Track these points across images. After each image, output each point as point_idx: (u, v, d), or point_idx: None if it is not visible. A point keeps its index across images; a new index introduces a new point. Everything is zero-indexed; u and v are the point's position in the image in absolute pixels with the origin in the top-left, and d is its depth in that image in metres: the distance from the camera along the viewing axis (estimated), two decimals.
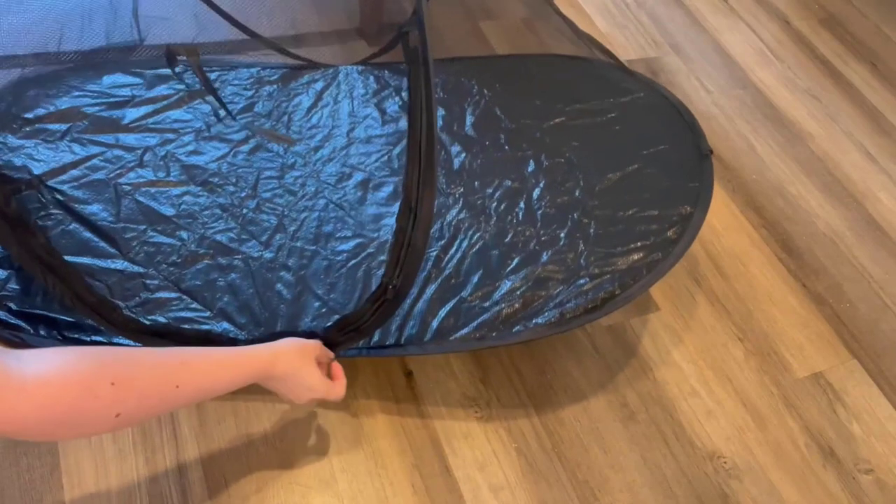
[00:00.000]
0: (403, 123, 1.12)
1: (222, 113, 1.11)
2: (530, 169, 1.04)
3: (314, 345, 0.77)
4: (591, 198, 0.99)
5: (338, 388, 0.79)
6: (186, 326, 0.88)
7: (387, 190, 1.04)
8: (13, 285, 0.92)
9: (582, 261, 0.93)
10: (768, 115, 1.37)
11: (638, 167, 1.03)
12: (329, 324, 0.86)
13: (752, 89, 1.41)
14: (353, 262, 0.95)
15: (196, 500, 0.82)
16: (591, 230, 0.96)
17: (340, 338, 0.82)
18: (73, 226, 0.97)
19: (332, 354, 0.81)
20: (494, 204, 1.00)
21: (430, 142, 0.70)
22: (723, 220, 1.19)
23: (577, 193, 1.00)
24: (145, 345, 0.84)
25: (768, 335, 1.05)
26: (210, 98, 1.12)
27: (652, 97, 1.14)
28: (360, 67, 1.21)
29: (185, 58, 1.14)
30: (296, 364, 0.74)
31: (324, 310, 0.90)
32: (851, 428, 0.97)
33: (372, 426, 0.90)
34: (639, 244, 0.94)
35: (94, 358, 0.58)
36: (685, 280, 1.10)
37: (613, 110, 1.11)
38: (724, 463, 0.92)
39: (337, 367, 0.81)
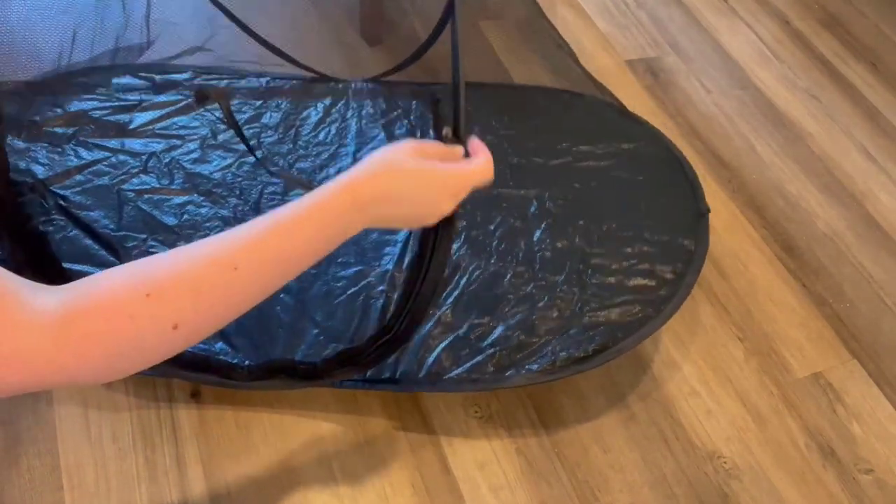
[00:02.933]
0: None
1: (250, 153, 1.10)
2: (532, 209, 1.03)
3: (404, 144, 0.58)
4: (589, 245, 0.99)
5: (475, 169, 0.60)
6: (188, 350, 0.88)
7: None
8: None
9: (577, 309, 0.93)
10: (768, 115, 1.37)
11: (636, 218, 1.03)
12: (327, 353, 0.87)
13: (752, 89, 1.41)
14: (353, 289, 0.94)
15: (196, 499, 0.82)
16: (588, 279, 0.96)
17: (337, 369, 0.83)
18: (75, 232, 0.97)
19: (452, 152, 0.62)
20: (495, 242, 1.00)
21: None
22: (723, 220, 1.19)
23: (576, 240, 1.00)
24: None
25: (768, 335, 1.05)
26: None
27: (657, 147, 1.13)
28: (369, 84, 1.21)
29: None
30: (389, 181, 0.56)
31: (321, 338, 0.90)
32: (851, 428, 0.97)
33: (372, 426, 0.90)
34: (632, 298, 0.94)
35: (120, 274, 0.48)
36: None
37: (618, 155, 1.11)
38: (724, 463, 0.92)
39: (475, 144, 0.63)
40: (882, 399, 1.01)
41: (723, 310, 1.07)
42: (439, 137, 0.65)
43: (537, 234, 1.01)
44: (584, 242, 1.00)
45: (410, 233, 1.00)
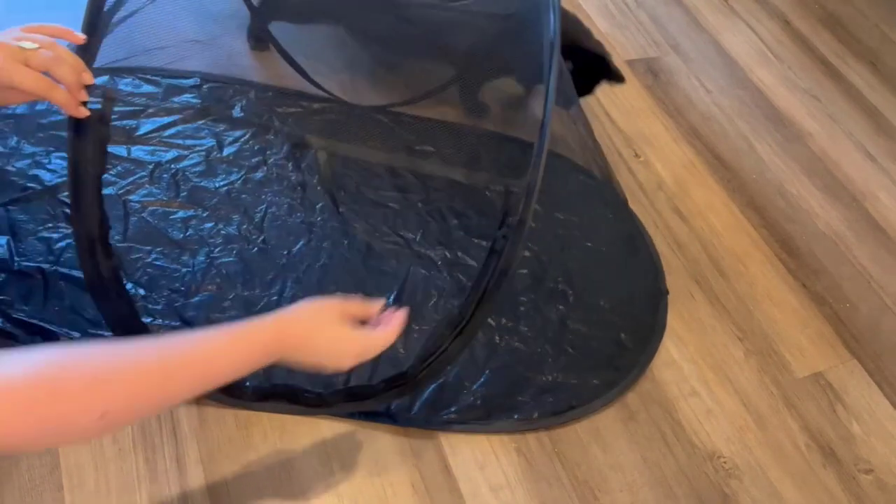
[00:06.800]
0: (410, 179, 1.14)
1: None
2: (523, 270, 1.06)
3: (333, 302, 0.67)
4: (568, 309, 1.03)
5: (380, 338, 0.68)
6: None
7: (390, 254, 1.04)
8: (16, 290, 0.92)
9: (554, 368, 0.97)
10: (768, 114, 1.37)
11: (610, 291, 1.06)
12: (330, 381, 0.90)
13: (751, 89, 1.41)
14: None
15: (196, 499, 0.82)
16: (564, 339, 1.00)
17: (341, 402, 0.86)
18: None
19: (372, 309, 0.70)
20: None
21: (500, 278, 0.73)
22: (723, 220, 1.19)
23: (559, 306, 1.03)
24: None
25: (768, 335, 1.05)
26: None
27: (629, 226, 1.16)
28: (375, 113, 1.21)
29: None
30: (311, 330, 0.65)
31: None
32: (851, 428, 0.97)
33: (372, 425, 0.90)
34: (601, 361, 0.99)
35: (65, 355, 0.52)
36: (685, 280, 1.09)
37: (597, 228, 1.14)
38: (724, 463, 0.92)
39: (397, 316, 0.71)
40: (882, 399, 1.01)
41: (723, 310, 1.07)
42: (504, 224, 0.74)
43: (525, 295, 1.03)
44: (564, 306, 1.03)
45: (409, 272, 1.02)
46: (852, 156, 1.31)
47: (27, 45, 0.64)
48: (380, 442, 0.89)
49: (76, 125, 0.70)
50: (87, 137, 0.70)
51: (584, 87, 1.20)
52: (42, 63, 0.64)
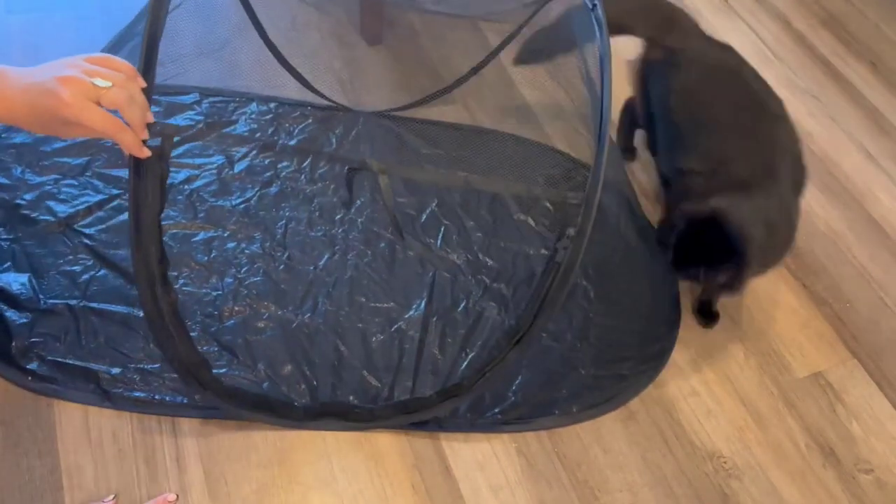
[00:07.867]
0: (422, 183, 1.14)
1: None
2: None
3: None
4: (590, 304, 1.04)
5: None
6: (244, 388, 0.89)
7: (413, 261, 1.04)
8: (47, 330, 0.90)
9: (586, 363, 0.98)
10: None
11: (627, 283, 1.08)
12: (373, 394, 0.91)
13: None
14: (388, 331, 0.97)
15: (196, 499, 0.83)
16: (592, 334, 1.02)
17: (394, 415, 0.87)
18: (103, 272, 0.96)
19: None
20: (511, 292, 1.03)
21: (561, 286, 0.75)
22: None
23: (582, 302, 1.04)
24: (216, 407, 0.84)
25: (768, 335, 1.05)
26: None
27: (641, 216, 1.17)
28: (379, 118, 1.21)
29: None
30: None
31: (366, 383, 0.92)
32: (851, 428, 0.97)
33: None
34: (629, 352, 1.00)
35: None
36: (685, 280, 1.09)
37: (613, 221, 1.15)
38: (724, 463, 0.92)
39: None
40: (882, 399, 1.01)
41: (723, 310, 1.07)
42: (563, 235, 0.77)
43: None
44: (587, 303, 1.04)
45: (434, 277, 1.02)
46: (852, 156, 1.31)
47: (101, 82, 0.62)
48: (380, 442, 0.89)
49: (136, 164, 0.68)
50: (146, 176, 0.69)
51: (696, 267, 0.92)
52: (114, 102, 0.62)
